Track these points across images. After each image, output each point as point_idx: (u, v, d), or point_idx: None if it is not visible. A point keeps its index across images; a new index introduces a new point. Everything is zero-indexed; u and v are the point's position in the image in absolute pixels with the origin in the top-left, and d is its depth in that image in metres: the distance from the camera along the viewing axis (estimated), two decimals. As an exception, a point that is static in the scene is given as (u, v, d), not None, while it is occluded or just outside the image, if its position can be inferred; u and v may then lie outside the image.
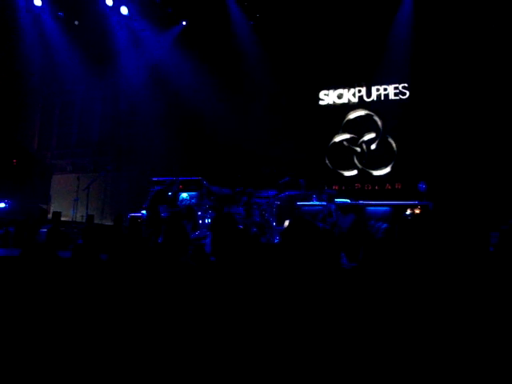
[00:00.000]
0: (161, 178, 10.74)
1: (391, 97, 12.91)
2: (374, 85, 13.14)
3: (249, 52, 13.63)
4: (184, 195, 10.26)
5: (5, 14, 13.46)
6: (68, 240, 8.81)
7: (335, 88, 13.63)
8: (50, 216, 13.84)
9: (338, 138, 13.42)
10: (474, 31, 11.27)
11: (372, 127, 13.03)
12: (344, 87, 13.53)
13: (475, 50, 11.28)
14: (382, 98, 13.02)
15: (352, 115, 13.35)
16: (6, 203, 11.31)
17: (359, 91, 13.33)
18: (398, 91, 12.82)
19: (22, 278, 2.57)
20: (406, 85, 12.72)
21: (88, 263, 2.82)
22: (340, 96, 13.56)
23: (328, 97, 13.73)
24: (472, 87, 11.33)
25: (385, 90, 13.00)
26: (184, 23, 14.35)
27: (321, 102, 13.80)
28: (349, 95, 13.46)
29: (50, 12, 14.13)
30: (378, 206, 9.23)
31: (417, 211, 8.89)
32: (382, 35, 12.46)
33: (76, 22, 14.57)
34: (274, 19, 13.35)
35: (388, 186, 12.43)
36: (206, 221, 9.75)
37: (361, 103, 13.29)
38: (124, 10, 13.74)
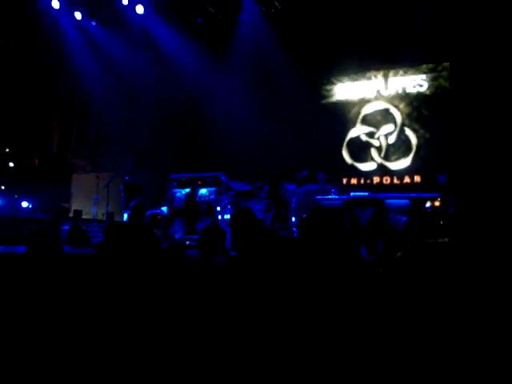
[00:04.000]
0: (180, 175, 10.83)
1: (409, 89, 12.78)
2: (391, 77, 13.03)
3: (262, 43, 13.59)
4: (203, 191, 10.32)
5: (23, 13, 13.65)
6: (88, 238, 8.92)
7: (352, 80, 13.54)
8: (71, 214, 14.05)
9: (355, 132, 13.35)
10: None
11: (390, 120, 12.94)
12: (361, 79, 13.44)
13: (496, 41, 11.09)
14: (400, 90, 12.91)
15: (369, 108, 13.26)
16: (28, 202, 11.49)
17: (376, 84, 13.23)
18: (415, 83, 12.70)
19: (29, 275, 2.62)
20: (423, 77, 12.60)
21: (109, 260, 2.84)
22: (357, 89, 13.47)
23: (345, 90, 13.64)
24: (492, 77, 11.16)
25: (402, 82, 12.88)
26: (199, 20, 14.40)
27: (338, 96, 13.73)
28: (366, 88, 13.36)
29: (67, 13, 14.27)
30: (397, 199, 9.16)
31: (437, 204, 8.82)
32: (400, 24, 12.29)
33: (93, 24, 14.73)
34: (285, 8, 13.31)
35: (407, 179, 12.34)
36: (226, 216, 9.81)
37: (378, 96, 13.19)
38: (140, 9, 13.81)
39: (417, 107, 12.64)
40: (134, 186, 10.71)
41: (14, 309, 2.26)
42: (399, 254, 0.74)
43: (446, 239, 0.72)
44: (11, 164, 13.72)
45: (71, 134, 17.55)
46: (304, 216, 2.27)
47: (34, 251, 2.75)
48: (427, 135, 12.42)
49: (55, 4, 13.78)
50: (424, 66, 12.56)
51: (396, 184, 12.43)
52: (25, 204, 11.48)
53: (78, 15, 14.39)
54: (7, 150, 14.09)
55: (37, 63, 14.87)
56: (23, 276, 2.69)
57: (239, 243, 2.92)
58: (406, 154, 12.62)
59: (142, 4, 13.79)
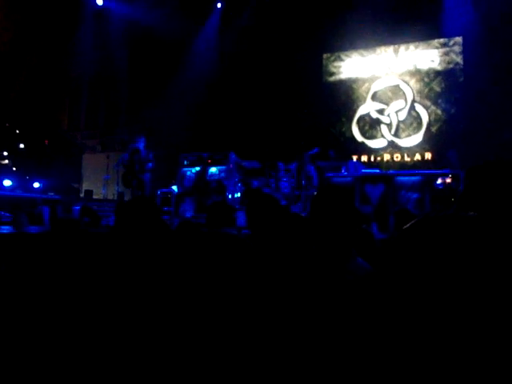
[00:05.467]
0: (190, 154, 10.82)
1: (420, 65, 12.61)
2: (402, 52, 12.86)
3: (275, 26, 13.39)
4: (213, 170, 10.32)
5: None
6: (99, 217, 8.99)
7: (362, 56, 13.39)
8: (81, 194, 14.13)
9: (365, 109, 13.25)
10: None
11: (400, 96, 12.82)
12: (371, 55, 13.27)
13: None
14: (411, 66, 12.74)
15: (379, 84, 13.13)
16: (40, 182, 11.57)
17: (386, 60, 13.06)
18: (427, 58, 12.52)
19: (52, 254, 2.63)
20: (435, 52, 12.42)
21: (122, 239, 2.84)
22: (366, 65, 13.32)
23: (354, 66, 13.50)
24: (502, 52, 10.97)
25: (413, 57, 12.70)
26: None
27: (347, 72, 13.60)
28: (375, 64, 13.20)
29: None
30: (407, 176, 9.11)
31: (448, 180, 8.75)
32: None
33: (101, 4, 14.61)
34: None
35: (418, 156, 12.26)
36: (236, 195, 9.82)
37: (388, 72, 13.03)
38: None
39: (428, 83, 12.49)
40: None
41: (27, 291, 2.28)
42: (406, 227, 0.73)
43: (451, 212, 0.70)
44: (22, 145, 13.78)
45: (81, 115, 17.58)
46: (315, 193, 2.24)
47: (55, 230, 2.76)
48: (438, 111, 12.30)
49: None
50: (435, 41, 12.38)
51: (407, 161, 12.36)
52: (36, 185, 11.55)
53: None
54: (17, 131, 14.13)
55: (46, 44, 14.80)
56: (38, 257, 2.70)
57: (256, 222, 2.90)
58: (416, 131, 12.52)
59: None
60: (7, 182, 10.63)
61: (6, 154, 13.01)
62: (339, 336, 1.70)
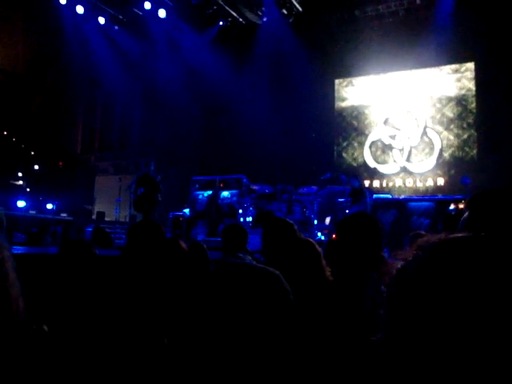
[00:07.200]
0: (201, 177, 10.87)
1: (432, 90, 12.64)
2: (414, 78, 12.91)
3: (288, 52, 13.51)
4: (225, 193, 10.35)
5: (49, 19, 13.89)
6: (111, 239, 9.02)
7: (374, 82, 13.45)
8: (94, 216, 14.21)
9: (377, 134, 13.26)
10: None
11: (412, 122, 12.83)
12: (383, 81, 13.34)
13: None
14: (423, 91, 12.77)
15: (391, 110, 13.16)
16: (53, 204, 11.66)
17: (398, 86, 13.11)
18: (439, 84, 12.54)
19: (61, 275, 2.64)
20: (447, 78, 12.45)
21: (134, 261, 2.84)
22: (378, 90, 13.37)
23: (366, 91, 13.57)
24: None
25: (425, 83, 12.74)
26: (221, 23, 14.39)
27: (359, 97, 13.66)
28: (387, 89, 13.24)
29: (91, 18, 14.42)
30: (420, 201, 9.06)
31: (461, 206, 8.68)
32: (423, 25, 12.16)
33: (115, 28, 14.89)
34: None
35: (430, 182, 12.21)
36: (248, 219, 9.81)
37: (400, 97, 13.06)
38: (162, 13, 13.84)
39: (440, 108, 12.51)
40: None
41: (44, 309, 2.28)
42: (418, 253, 0.68)
43: (468, 234, 0.65)
44: (36, 167, 13.94)
45: (94, 137, 17.80)
46: (327, 221, 2.23)
47: (66, 252, 2.76)
48: (451, 137, 12.28)
49: (79, 9, 13.90)
50: (447, 67, 12.43)
51: (419, 186, 12.30)
52: (49, 206, 11.65)
53: (101, 20, 14.51)
54: (32, 153, 14.32)
55: (61, 68, 15.09)
56: (54, 277, 2.71)
57: (273, 248, 2.87)
58: (429, 156, 12.49)
59: (164, 8, 13.84)
60: (21, 203, 10.73)
61: (20, 175, 13.16)
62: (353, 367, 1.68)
